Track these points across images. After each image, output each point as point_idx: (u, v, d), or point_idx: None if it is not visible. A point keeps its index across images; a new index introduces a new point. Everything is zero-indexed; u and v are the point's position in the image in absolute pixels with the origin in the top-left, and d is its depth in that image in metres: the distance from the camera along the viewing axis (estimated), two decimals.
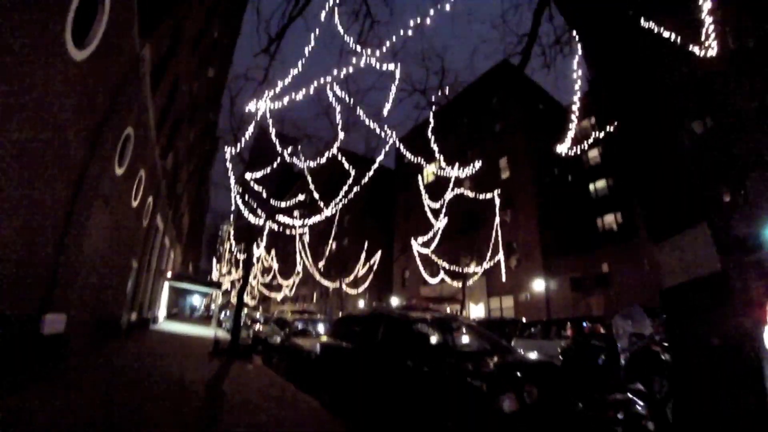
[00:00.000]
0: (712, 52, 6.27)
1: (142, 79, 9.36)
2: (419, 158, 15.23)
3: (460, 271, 27.95)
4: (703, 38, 6.12)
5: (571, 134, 8.43)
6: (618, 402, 3.73)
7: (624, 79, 4.18)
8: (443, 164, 14.40)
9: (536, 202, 29.95)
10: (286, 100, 8.58)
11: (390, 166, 49.56)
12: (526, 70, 8.52)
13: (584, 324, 11.97)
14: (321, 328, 14.22)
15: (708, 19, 5.77)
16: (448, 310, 28.89)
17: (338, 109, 14.44)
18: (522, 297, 28.51)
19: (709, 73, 18.43)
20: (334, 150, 14.42)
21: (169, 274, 25.28)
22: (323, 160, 15.33)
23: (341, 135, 14.53)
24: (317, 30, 9.18)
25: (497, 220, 27.64)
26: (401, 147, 14.23)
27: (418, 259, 31.06)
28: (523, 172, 31.21)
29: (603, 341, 4.07)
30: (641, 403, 3.86)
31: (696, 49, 6.90)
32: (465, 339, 6.96)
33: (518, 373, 4.88)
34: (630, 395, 3.80)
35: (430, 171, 40.66)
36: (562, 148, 9.13)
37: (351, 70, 9.93)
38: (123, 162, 9.55)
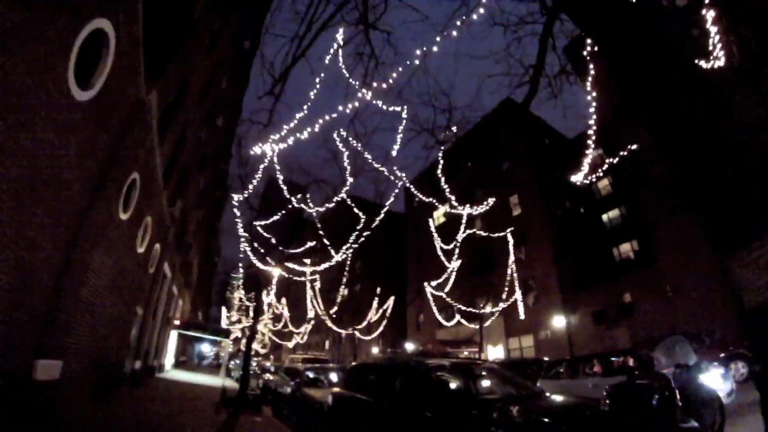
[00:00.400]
0: (720, 63, 6.07)
1: (148, 124, 9.36)
2: (431, 198, 15.00)
3: (477, 312, 27.16)
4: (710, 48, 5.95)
5: (588, 160, 8.13)
6: None
7: (666, 81, 3.86)
8: (455, 203, 14.11)
9: (550, 237, 29.43)
10: (291, 141, 8.47)
11: (400, 209, 49.65)
12: (532, 105, 8.35)
13: (612, 359, 11.24)
14: (333, 377, 13.56)
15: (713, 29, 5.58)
16: (466, 354, 27.84)
17: (345, 153, 14.45)
18: (542, 335, 27.48)
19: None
20: (343, 195, 14.31)
21: (176, 322, 24.75)
22: (332, 205, 15.20)
23: (349, 180, 14.44)
24: (322, 73, 9.21)
25: (512, 257, 27.10)
26: (412, 188, 14.07)
27: (432, 303, 30.30)
28: (535, 207, 30.87)
29: (656, 378, 3.59)
30: None
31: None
32: (488, 384, 6.42)
33: (546, 420, 4.38)
34: None
35: (440, 212, 40.77)
36: (578, 177, 8.82)
37: (356, 110, 9.92)
38: (128, 207, 9.40)
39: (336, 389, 8.34)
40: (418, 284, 40.32)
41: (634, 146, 13.62)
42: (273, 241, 18.37)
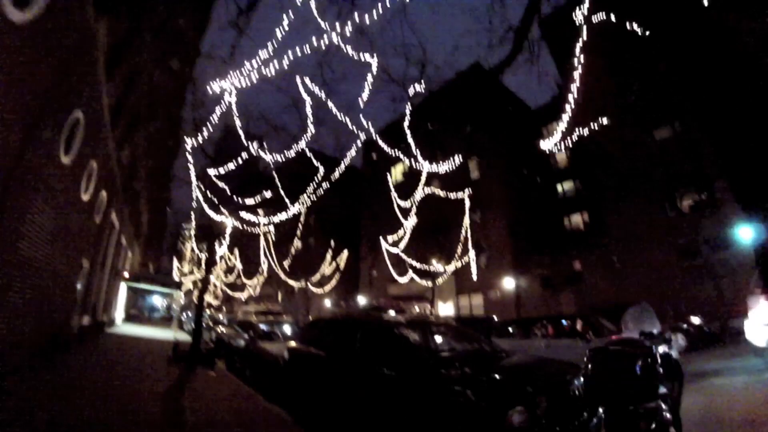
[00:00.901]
0: None
1: (95, 58, 8.34)
2: (396, 151, 14.54)
3: (429, 269, 27.59)
4: None
5: (561, 128, 7.95)
6: (649, 411, 3.28)
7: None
8: (420, 159, 13.76)
9: (506, 202, 29.99)
10: (253, 79, 7.76)
11: (356, 165, 48.85)
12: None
13: (563, 322, 11.69)
14: (287, 330, 13.43)
15: None
16: (417, 309, 28.48)
17: (308, 101, 13.68)
18: (492, 295, 28.43)
19: None
20: (303, 144, 13.64)
21: (126, 275, 23.58)
22: (292, 153, 14.50)
23: (311, 128, 13.76)
24: (290, 10, 8.42)
25: (467, 219, 27.48)
26: (378, 139, 13.59)
27: (387, 258, 30.50)
28: (493, 172, 31.18)
29: (636, 345, 3.58)
30: (665, 408, 3.45)
31: None
32: (450, 341, 6.37)
33: (528, 386, 4.34)
34: (660, 402, 3.38)
35: (398, 170, 40.52)
36: (548, 145, 8.68)
37: (325, 53, 9.24)
38: (71, 149, 8.51)
39: (292, 344, 8.15)
40: (372, 240, 40.40)
41: (604, 121, 13.66)
42: (227, 191, 17.49)
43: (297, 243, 39.72)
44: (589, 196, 28.31)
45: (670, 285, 19.84)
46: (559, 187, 31.42)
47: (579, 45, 6.86)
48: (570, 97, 7.48)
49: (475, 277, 27.26)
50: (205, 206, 14.42)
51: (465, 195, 27.22)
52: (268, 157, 14.27)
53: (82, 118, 8.54)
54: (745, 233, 17.53)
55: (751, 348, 8.56)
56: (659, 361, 3.59)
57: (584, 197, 29.07)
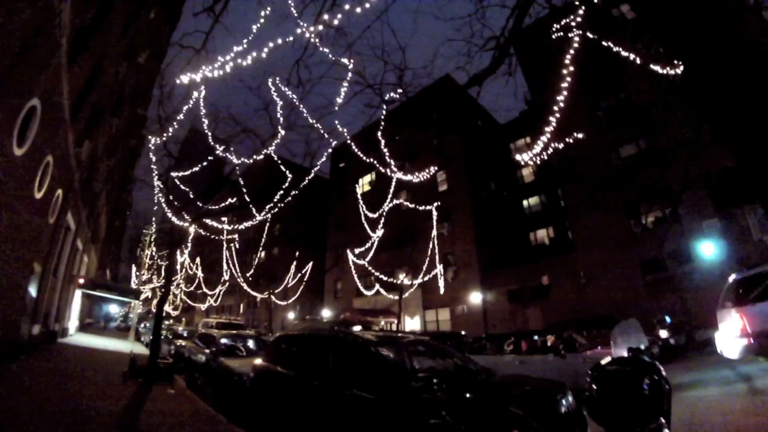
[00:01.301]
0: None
1: (57, 41, 7.64)
2: (368, 158, 14.15)
3: (396, 283, 27.31)
4: None
5: (541, 140, 7.79)
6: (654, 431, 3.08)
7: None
8: (392, 167, 13.41)
9: (473, 216, 30.06)
10: (226, 71, 7.23)
11: (324, 175, 48.22)
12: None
13: (535, 338, 11.54)
14: (251, 344, 12.70)
15: None
16: (383, 324, 28.04)
17: (279, 103, 13.21)
18: (459, 309, 28.30)
19: None
20: (272, 149, 13.13)
21: (81, 281, 22.01)
22: (260, 157, 13.91)
23: (281, 132, 13.27)
24: (269, 8, 8.03)
25: (434, 232, 27.42)
26: (353, 145, 13.22)
27: (353, 270, 30.07)
28: (461, 185, 31.27)
29: (641, 363, 3.35)
30: (666, 424, 3.31)
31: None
32: (432, 361, 6.01)
33: (518, 408, 4.02)
34: (662, 419, 3.17)
35: (366, 180, 40.23)
36: (525, 157, 8.52)
37: (303, 52, 8.85)
38: (25, 141, 7.79)
39: (258, 361, 7.60)
40: (338, 252, 39.86)
41: (580, 135, 13.74)
42: (191, 195, 16.67)
43: (261, 253, 38.87)
44: (555, 210, 28.87)
45: (635, 298, 20.26)
46: (525, 202, 31.96)
47: (567, 58, 6.68)
48: (553, 111, 7.30)
49: (442, 291, 27.22)
50: (168, 211, 13.58)
51: (433, 207, 27.27)
52: (234, 160, 13.65)
53: (39, 106, 7.83)
54: (706, 248, 18.08)
55: (720, 359, 8.68)
56: (665, 377, 3.42)
57: (550, 212, 29.64)
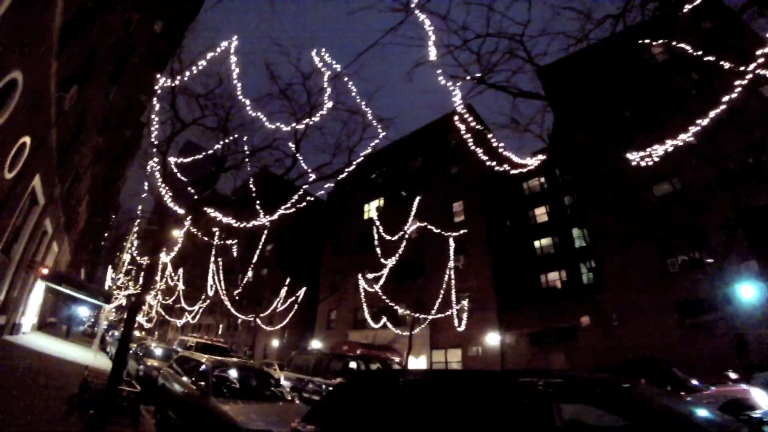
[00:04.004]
0: None
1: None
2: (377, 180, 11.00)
3: (411, 316, 23.79)
4: None
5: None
6: None
7: None
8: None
9: (490, 251, 26.84)
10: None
11: (321, 196, 44.85)
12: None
13: None
14: (253, 381, 8.94)
15: None
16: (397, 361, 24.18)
17: (327, 73, 10.10)
18: (472, 351, 24.59)
19: None
20: (316, 118, 9.92)
21: (45, 270, 17.51)
22: (301, 126, 10.66)
23: (327, 104, 10.09)
24: None
25: (451, 263, 24.12)
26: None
27: (363, 301, 26.36)
28: (478, 217, 28.18)
29: None
30: None
31: None
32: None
33: None
34: None
35: (373, 206, 36.92)
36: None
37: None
38: None
39: (308, 427, 3.98)
40: (333, 280, 36.05)
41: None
42: (187, 182, 13.15)
43: (249, 272, 34.74)
44: (585, 251, 26.08)
45: (669, 342, 18.05)
46: (546, 241, 29.02)
47: None
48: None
49: (457, 329, 23.67)
50: (162, 187, 9.97)
51: (450, 238, 24.12)
52: (267, 124, 10.26)
53: None
54: (746, 291, 16.34)
55: None
56: None
57: (580, 252, 26.81)
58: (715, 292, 17.56)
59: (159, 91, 9.30)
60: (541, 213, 30.61)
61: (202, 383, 7.33)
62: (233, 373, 8.60)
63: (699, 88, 15.74)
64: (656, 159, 10.09)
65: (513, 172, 9.92)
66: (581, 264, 27.02)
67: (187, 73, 9.13)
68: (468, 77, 9.43)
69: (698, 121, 8.09)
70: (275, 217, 13.65)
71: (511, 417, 2.78)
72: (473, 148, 11.59)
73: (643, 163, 10.19)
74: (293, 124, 10.49)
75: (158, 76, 9.16)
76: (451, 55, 9.28)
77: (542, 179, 31.88)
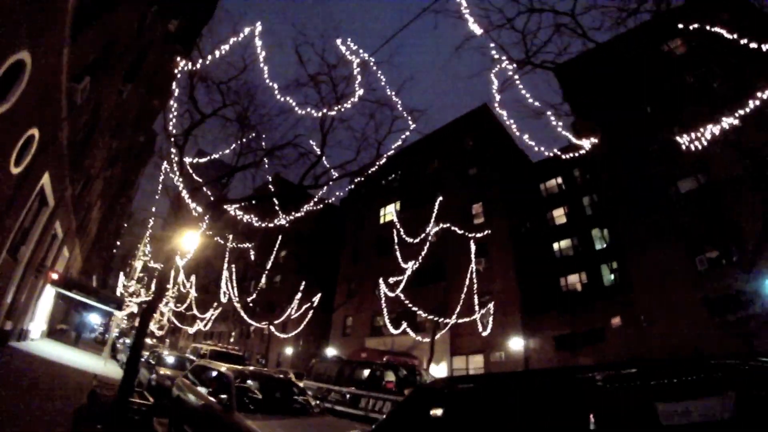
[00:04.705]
0: None
1: None
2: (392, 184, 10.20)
3: (424, 322, 22.89)
4: None
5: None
6: None
7: None
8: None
9: (514, 253, 25.79)
10: None
11: (335, 201, 44.11)
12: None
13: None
14: (278, 393, 8.04)
15: None
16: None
17: (356, 61, 9.32)
18: (495, 356, 23.46)
19: None
20: (349, 104, 9.13)
21: (55, 276, 16.83)
22: (332, 112, 9.91)
23: (359, 91, 9.31)
24: None
25: (473, 265, 23.16)
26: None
27: (384, 306, 25.46)
28: (500, 218, 27.12)
29: None
30: None
31: None
32: None
33: None
34: None
35: (389, 210, 36.03)
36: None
37: None
38: None
39: None
40: (350, 285, 35.16)
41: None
42: (204, 182, 12.42)
43: (263, 278, 34.00)
44: (611, 249, 24.96)
45: (701, 341, 16.75)
46: (568, 242, 27.88)
47: None
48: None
49: (486, 333, 22.65)
50: (180, 183, 9.17)
51: (471, 240, 23.20)
52: (297, 109, 9.46)
53: None
54: None
55: None
56: None
57: (600, 253, 25.70)
58: (745, 289, 16.98)
59: (179, 76, 8.55)
60: (559, 214, 29.58)
61: (224, 396, 6.41)
62: (257, 384, 7.72)
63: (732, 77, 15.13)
64: (705, 142, 9.38)
65: (564, 156, 8.88)
66: (603, 265, 26.03)
67: (209, 58, 8.36)
68: (510, 61, 8.59)
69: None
70: (293, 217, 12.95)
71: None
72: (510, 136, 10.65)
73: (692, 147, 9.50)
74: (324, 110, 9.68)
75: (179, 59, 8.42)
76: (491, 38, 8.48)
77: (560, 179, 30.92)
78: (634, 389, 2.41)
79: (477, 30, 7.21)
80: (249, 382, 7.53)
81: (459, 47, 8.28)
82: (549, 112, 9.59)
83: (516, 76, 8.30)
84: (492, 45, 7.72)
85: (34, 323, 18.03)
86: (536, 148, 9.36)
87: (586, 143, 9.43)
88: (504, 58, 8.19)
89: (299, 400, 7.77)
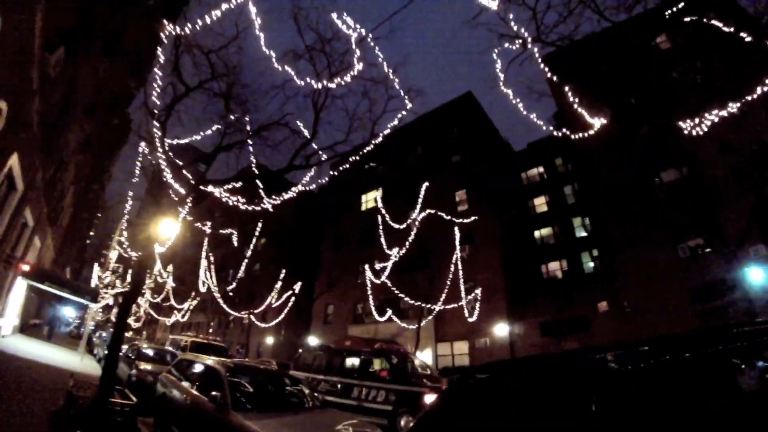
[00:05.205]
0: None
1: None
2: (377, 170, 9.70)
3: (411, 310, 22.58)
4: None
5: None
6: None
7: None
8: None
9: (500, 240, 25.64)
10: None
11: (315, 189, 43.15)
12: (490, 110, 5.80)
13: None
14: (271, 387, 7.48)
15: None
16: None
17: (353, 34, 8.66)
18: (480, 342, 23.36)
19: None
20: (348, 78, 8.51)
21: (26, 267, 15.55)
22: (332, 85, 9.25)
23: (358, 66, 8.66)
24: None
25: (457, 252, 22.91)
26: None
27: (370, 294, 25.03)
28: (485, 206, 26.87)
29: None
30: None
31: None
32: None
33: None
34: None
35: (371, 197, 35.38)
36: None
37: None
38: None
39: None
40: (331, 274, 34.59)
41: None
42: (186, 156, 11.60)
43: (242, 267, 33.00)
44: (592, 237, 25.23)
45: (684, 328, 17.02)
46: (549, 230, 28.05)
47: None
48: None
49: (473, 319, 22.50)
50: (163, 162, 8.40)
51: (455, 227, 22.95)
52: (296, 80, 8.78)
53: None
54: (755, 274, 16.03)
55: None
56: None
57: (588, 239, 25.96)
58: (726, 277, 17.38)
59: (165, 41, 7.72)
60: (540, 203, 29.78)
61: (216, 393, 5.80)
62: (247, 378, 7.14)
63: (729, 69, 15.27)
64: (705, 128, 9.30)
65: (574, 136, 8.50)
66: (583, 253, 26.35)
67: (199, 23, 7.56)
68: (521, 40, 8.15)
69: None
70: (275, 201, 12.31)
71: None
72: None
73: (694, 132, 9.42)
74: (320, 83, 9.02)
75: (165, 22, 7.60)
76: (502, 13, 7.99)
77: (541, 169, 31.08)
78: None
79: (492, 4, 6.70)
80: (243, 377, 6.96)
81: (475, 17, 7.78)
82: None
83: (530, 53, 7.89)
84: (502, 20, 7.28)
85: (4, 319, 16.76)
86: (542, 126, 8.97)
87: (569, 132, 9.21)
88: (513, 35, 7.74)
89: (295, 393, 7.25)
